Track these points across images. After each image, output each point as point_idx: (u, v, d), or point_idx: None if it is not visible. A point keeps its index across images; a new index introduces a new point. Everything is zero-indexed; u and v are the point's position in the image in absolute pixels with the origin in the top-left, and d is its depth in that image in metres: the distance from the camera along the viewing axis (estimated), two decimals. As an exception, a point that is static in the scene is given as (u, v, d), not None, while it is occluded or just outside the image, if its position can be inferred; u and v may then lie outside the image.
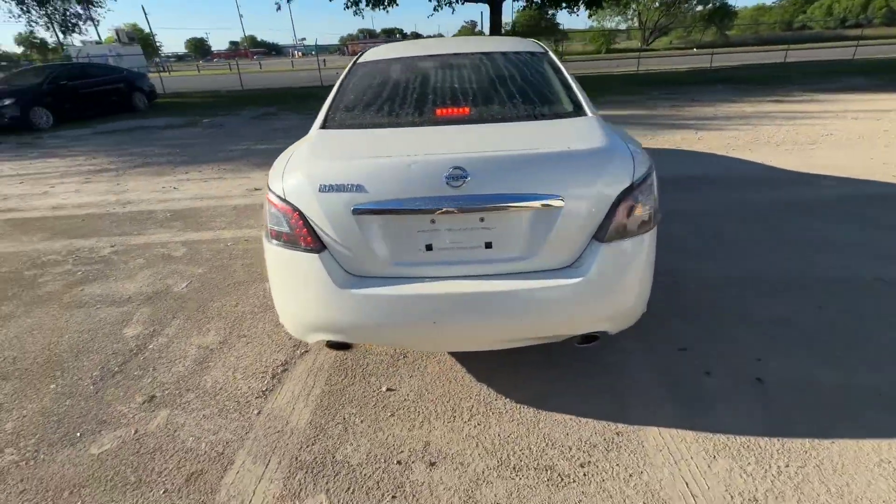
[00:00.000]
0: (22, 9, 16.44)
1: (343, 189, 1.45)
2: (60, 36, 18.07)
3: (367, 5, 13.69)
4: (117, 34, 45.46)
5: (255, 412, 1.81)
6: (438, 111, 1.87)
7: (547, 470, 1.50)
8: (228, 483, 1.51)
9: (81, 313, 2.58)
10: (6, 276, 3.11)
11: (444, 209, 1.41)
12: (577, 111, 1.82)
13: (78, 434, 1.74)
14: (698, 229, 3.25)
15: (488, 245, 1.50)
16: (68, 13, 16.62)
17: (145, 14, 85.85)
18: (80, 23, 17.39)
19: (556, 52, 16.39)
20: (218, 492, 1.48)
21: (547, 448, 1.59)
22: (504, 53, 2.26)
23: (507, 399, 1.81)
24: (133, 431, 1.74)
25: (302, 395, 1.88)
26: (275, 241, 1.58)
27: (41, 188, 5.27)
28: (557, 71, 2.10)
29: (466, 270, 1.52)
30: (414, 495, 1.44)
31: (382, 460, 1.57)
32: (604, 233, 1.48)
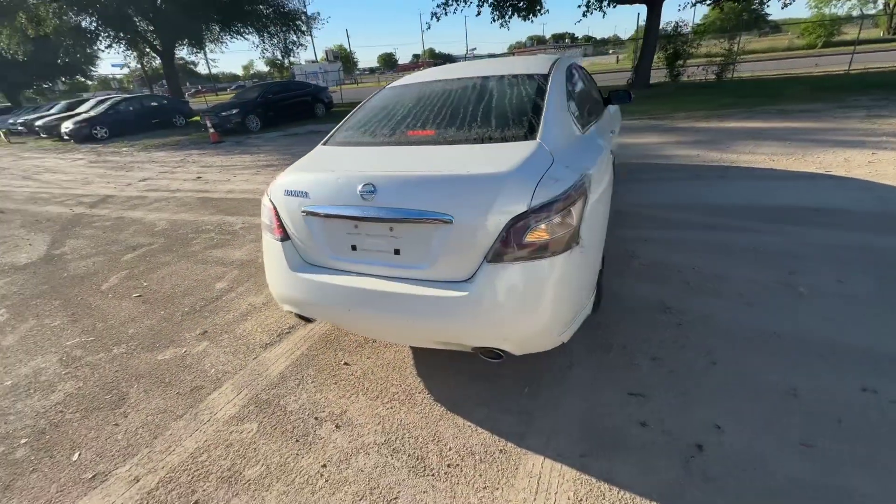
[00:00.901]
0: (261, 38, 21.95)
1: (297, 194, 1.88)
2: (281, 60, 23.45)
3: (511, 15, 14.05)
4: (326, 54, 56.46)
5: (253, 357, 2.39)
6: (410, 132, 2.14)
7: (418, 459, 1.67)
8: (211, 399, 2.10)
9: (201, 268, 3.64)
10: (178, 235, 4.50)
11: (357, 216, 1.71)
12: (529, 135, 1.87)
13: (157, 345, 2.59)
14: (775, 275, 2.71)
15: (397, 252, 1.73)
16: (287, 41, 21.55)
17: (348, 36, 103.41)
18: (295, 48, 22.27)
19: (727, 53, 14.11)
20: (202, 402, 2.08)
21: (430, 443, 1.74)
22: (501, 77, 2.37)
23: (429, 395, 1.99)
24: (183, 351, 2.51)
25: (287, 353, 2.39)
26: (265, 231, 2.09)
27: (227, 176, 7.20)
28: (541, 94, 2.12)
29: (381, 271, 1.78)
30: (310, 443, 1.79)
31: (307, 413, 1.95)
32: (492, 253, 1.56)
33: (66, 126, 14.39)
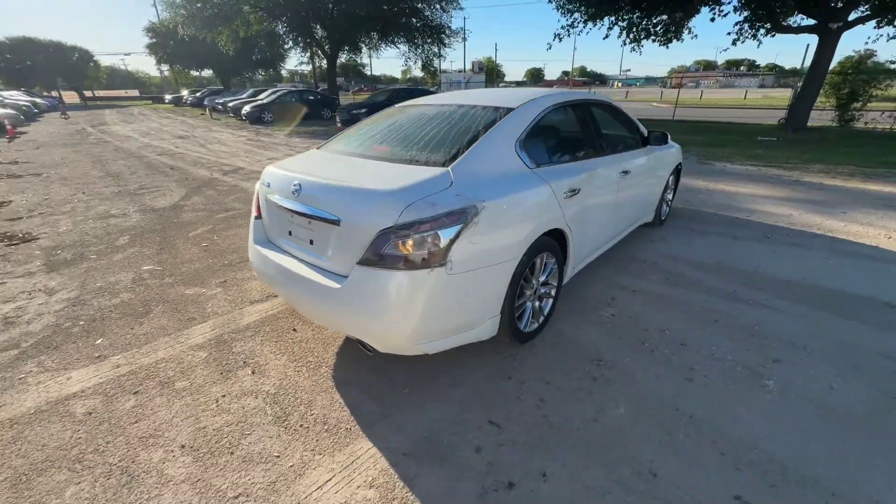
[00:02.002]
0: (410, 48, 24.37)
1: (265, 184, 2.37)
2: (433, 67, 25.73)
3: (643, 39, 13.14)
4: (473, 66, 59.67)
5: (239, 309, 2.99)
6: (375, 147, 2.48)
7: (285, 413, 2.01)
8: (194, 328, 2.74)
9: (257, 234, 4.49)
10: (261, 207, 5.54)
11: (289, 207, 2.12)
12: (448, 162, 2.05)
13: (191, 283, 3.39)
14: (752, 360, 2.37)
15: (311, 242, 2.10)
16: (429, 52, 23.55)
17: (496, 50, 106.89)
18: (435, 59, 24.18)
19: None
20: (188, 328, 2.73)
21: (303, 405, 2.06)
22: (473, 106, 2.55)
23: (332, 370, 2.31)
24: (203, 291, 3.25)
25: (263, 311, 2.94)
26: (252, 209, 2.65)
27: (328, 165, 8.38)
28: (489, 126, 2.26)
29: (302, 256, 2.17)
30: (227, 378, 2.26)
31: (241, 357, 2.44)
32: (362, 257, 1.83)
33: (245, 109, 18.02)
